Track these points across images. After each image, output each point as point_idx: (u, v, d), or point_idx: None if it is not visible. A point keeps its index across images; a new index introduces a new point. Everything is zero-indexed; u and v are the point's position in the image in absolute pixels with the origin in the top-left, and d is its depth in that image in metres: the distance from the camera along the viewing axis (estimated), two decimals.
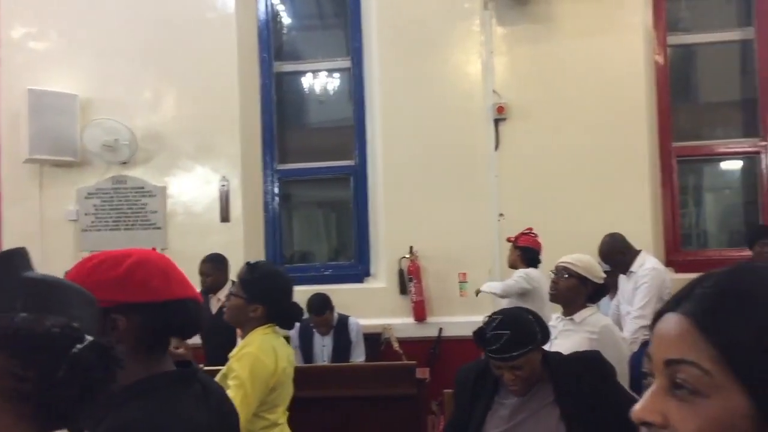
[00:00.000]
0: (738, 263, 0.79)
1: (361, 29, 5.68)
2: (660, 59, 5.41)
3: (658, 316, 0.79)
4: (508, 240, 4.72)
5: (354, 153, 5.74)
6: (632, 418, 0.76)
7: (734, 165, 5.75)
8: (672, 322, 0.76)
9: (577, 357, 2.51)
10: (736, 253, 5.12)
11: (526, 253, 4.59)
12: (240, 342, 2.56)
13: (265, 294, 2.51)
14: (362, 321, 5.03)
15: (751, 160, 5.48)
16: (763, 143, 5.34)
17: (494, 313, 2.45)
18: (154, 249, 1.43)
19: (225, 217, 5.50)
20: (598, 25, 5.22)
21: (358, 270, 5.63)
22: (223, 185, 5.52)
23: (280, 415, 2.50)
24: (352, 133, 5.77)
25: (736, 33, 5.59)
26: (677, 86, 5.64)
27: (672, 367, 0.74)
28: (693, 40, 5.71)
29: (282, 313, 2.56)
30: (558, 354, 2.51)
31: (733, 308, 0.72)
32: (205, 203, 5.54)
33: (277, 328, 2.56)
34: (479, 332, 2.38)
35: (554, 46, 5.26)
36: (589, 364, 2.43)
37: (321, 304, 4.78)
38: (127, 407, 1.23)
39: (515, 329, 2.32)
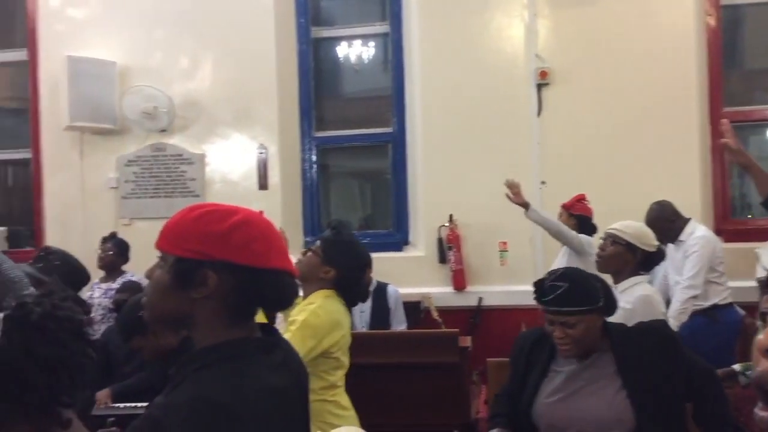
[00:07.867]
0: None
1: None
2: (712, 21, 5.19)
3: None
4: (564, 207, 4.61)
5: (392, 120, 5.65)
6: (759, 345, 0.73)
7: None
8: None
9: (642, 328, 2.42)
10: None
11: (583, 221, 4.52)
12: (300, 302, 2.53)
13: (341, 260, 2.51)
14: (401, 290, 4.95)
15: None
16: None
17: (559, 268, 2.40)
18: (261, 212, 1.35)
19: (263, 185, 5.47)
20: None
21: (396, 238, 5.57)
22: (261, 153, 5.48)
23: (339, 378, 2.49)
24: (389, 101, 5.67)
25: None
26: (727, 50, 5.42)
27: None
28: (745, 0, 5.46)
29: (348, 285, 2.55)
30: (621, 325, 2.43)
31: None
32: (242, 171, 5.51)
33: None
34: (539, 282, 2.32)
35: (599, 7, 5.07)
36: (654, 335, 2.34)
37: None
38: (205, 372, 1.18)
39: (574, 284, 2.25)
